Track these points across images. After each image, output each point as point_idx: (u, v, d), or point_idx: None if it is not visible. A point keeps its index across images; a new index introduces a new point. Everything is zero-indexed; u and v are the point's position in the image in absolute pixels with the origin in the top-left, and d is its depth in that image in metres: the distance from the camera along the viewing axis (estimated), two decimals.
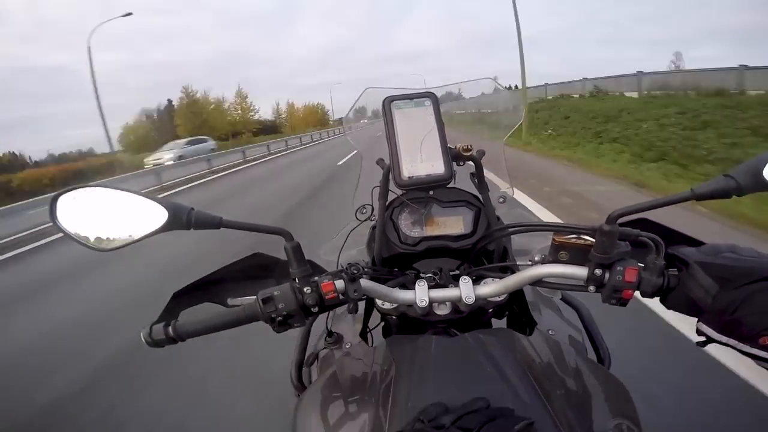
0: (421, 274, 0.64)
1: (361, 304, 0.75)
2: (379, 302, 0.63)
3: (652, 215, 0.48)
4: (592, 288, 0.48)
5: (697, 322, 0.43)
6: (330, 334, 0.75)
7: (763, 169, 0.40)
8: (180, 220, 0.45)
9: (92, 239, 0.48)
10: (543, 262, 0.53)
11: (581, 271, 0.48)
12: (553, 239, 0.51)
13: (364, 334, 0.74)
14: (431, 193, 0.66)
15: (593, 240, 0.47)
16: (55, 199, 0.47)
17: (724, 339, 0.41)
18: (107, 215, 0.47)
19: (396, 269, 0.68)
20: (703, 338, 0.43)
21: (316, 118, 61.27)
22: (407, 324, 0.66)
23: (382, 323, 0.77)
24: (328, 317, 0.77)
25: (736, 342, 0.40)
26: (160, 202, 0.46)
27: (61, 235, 0.48)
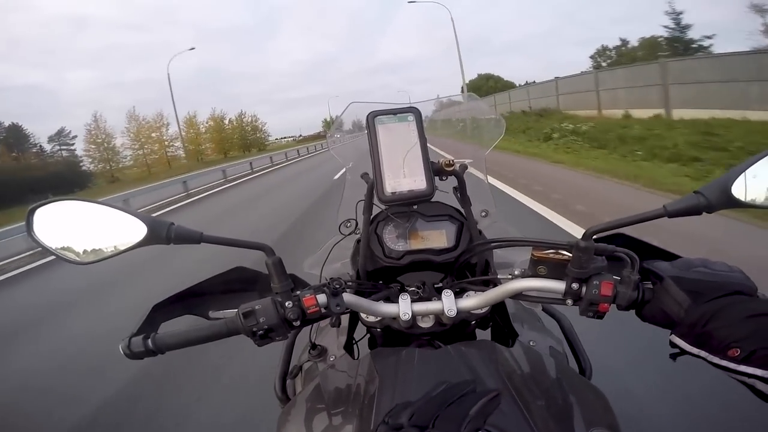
0: (405, 288, 0.64)
1: (346, 317, 0.75)
2: (363, 315, 0.63)
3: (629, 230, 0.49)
4: (569, 301, 0.49)
5: (671, 334, 0.45)
6: (314, 346, 0.74)
7: (731, 186, 0.42)
8: (159, 234, 0.45)
9: (70, 253, 0.47)
10: (523, 276, 0.54)
11: (559, 285, 0.49)
12: (532, 254, 0.52)
13: (349, 347, 0.74)
14: (415, 207, 0.67)
15: (570, 255, 0.48)
16: (32, 212, 0.47)
17: (695, 351, 0.42)
18: (85, 229, 0.47)
19: (380, 282, 0.68)
20: (676, 350, 0.45)
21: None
22: (392, 336, 0.67)
23: (368, 335, 0.77)
24: (311, 330, 0.77)
25: (707, 354, 0.41)
26: (139, 216, 0.46)
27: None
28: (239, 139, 46.65)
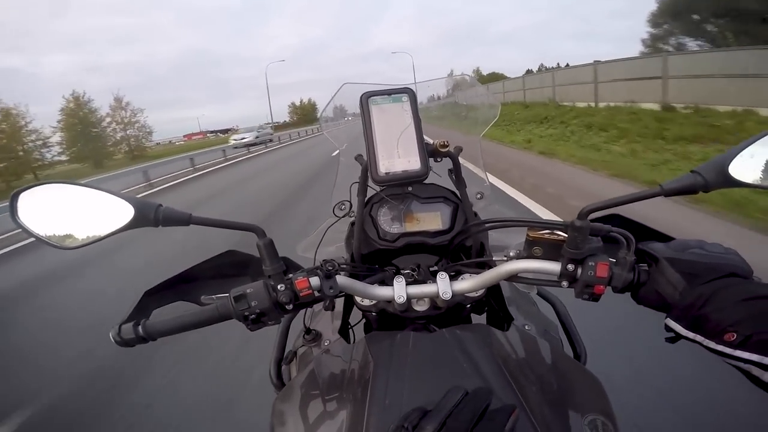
0: (399, 270, 0.64)
1: (340, 302, 0.74)
2: (358, 299, 0.63)
3: (624, 211, 0.49)
4: (565, 283, 0.49)
5: (666, 317, 0.44)
6: (308, 331, 0.74)
7: (728, 166, 0.41)
8: (147, 216, 0.44)
9: (55, 237, 0.46)
10: (518, 257, 0.53)
11: (554, 267, 0.49)
12: (528, 235, 0.51)
13: (344, 331, 0.74)
14: (410, 189, 0.66)
15: (566, 235, 0.47)
16: (15, 196, 0.46)
17: (691, 335, 0.41)
18: (71, 212, 0.46)
19: (375, 265, 0.68)
20: (672, 334, 0.44)
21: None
22: (387, 320, 0.66)
23: (363, 320, 0.77)
24: (305, 314, 0.76)
25: (703, 338, 0.40)
26: (127, 198, 0.44)
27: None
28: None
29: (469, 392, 0.38)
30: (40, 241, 0.46)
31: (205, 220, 0.47)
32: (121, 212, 0.44)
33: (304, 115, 70.83)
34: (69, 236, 0.46)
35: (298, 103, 76.42)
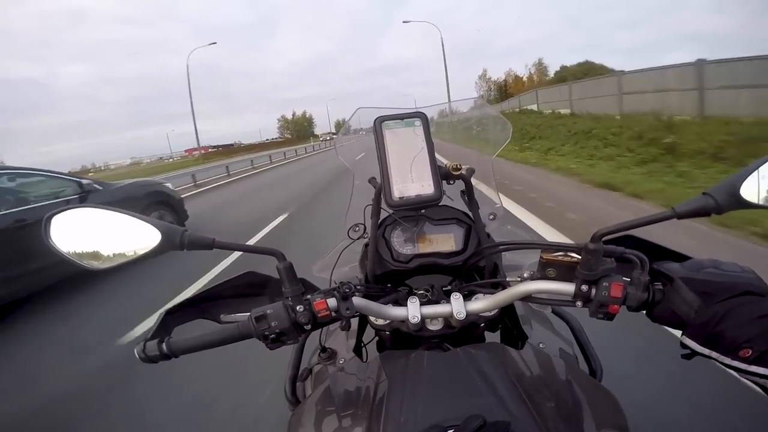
0: (413, 291, 0.64)
1: (355, 320, 0.75)
2: (372, 318, 0.63)
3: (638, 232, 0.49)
4: (579, 303, 0.49)
5: (681, 335, 0.45)
6: (324, 349, 0.75)
7: (739, 188, 0.42)
8: (173, 241, 0.46)
9: (85, 259, 0.48)
10: (532, 278, 0.54)
11: (568, 287, 0.49)
12: (541, 257, 0.52)
13: (358, 349, 0.74)
14: (423, 211, 0.68)
15: (579, 257, 0.48)
16: (48, 220, 0.48)
17: (706, 352, 0.42)
18: (100, 236, 0.48)
19: (388, 286, 0.68)
20: (687, 351, 0.45)
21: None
22: (400, 339, 0.67)
23: (376, 338, 0.78)
24: (321, 333, 0.77)
25: (718, 354, 0.41)
26: (153, 223, 0.46)
27: None
28: None
29: (487, 422, 0.38)
30: (70, 261, 0.48)
31: (228, 244, 0.48)
32: (149, 236, 0.46)
33: (297, 130, 64.57)
34: (98, 259, 0.48)
35: (290, 117, 69.20)
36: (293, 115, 69.15)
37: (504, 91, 53.52)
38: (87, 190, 4.11)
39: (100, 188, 4.30)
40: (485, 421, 0.38)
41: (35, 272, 3.27)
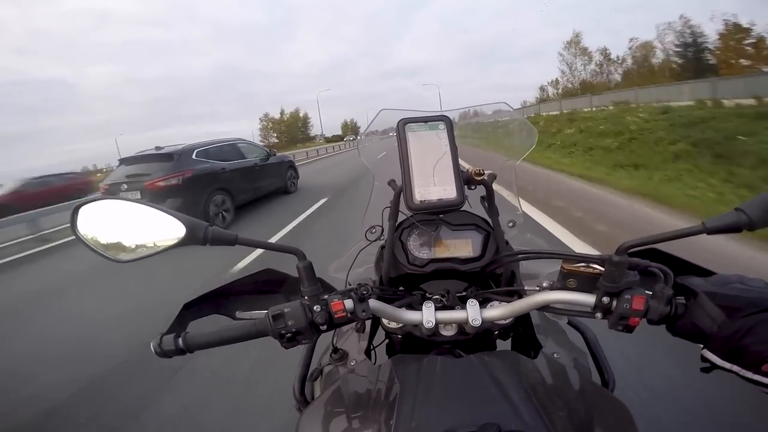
0: (428, 296, 0.64)
1: (368, 322, 0.75)
2: (385, 321, 0.63)
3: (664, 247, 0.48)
4: (599, 315, 0.49)
5: (702, 348, 0.44)
6: (335, 350, 0.75)
7: None
8: (197, 235, 0.46)
9: (110, 250, 0.49)
10: (551, 288, 0.53)
11: (589, 299, 0.49)
12: (562, 267, 0.51)
13: (368, 352, 0.74)
14: (441, 215, 0.67)
15: (602, 269, 0.47)
16: (76, 210, 0.49)
17: (728, 366, 0.42)
18: (126, 227, 0.49)
19: (402, 289, 0.68)
20: (707, 365, 0.45)
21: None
22: (411, 343, 0.67)
23: (386, 341, 0.77)
24: (334, 334, 0.77)
25: (740, 369, 0.41)
26: (179, 217, 0.47)
27: None
28: None
29: (503, 431, 0.38)
30: (95, 253, 0.49)
31: (250, 241, 0.49)
32: (173, 230, 0.47)
33: (289, 132, 51.22)
34: (123, 250, 0.49)
35: (278, 116, 52.66)
36: (282, 114, 54.37)
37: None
38: (271, 154, 7.95)
39: (274, 155, 8.16)
40: (500, 429, 0.38)
41: (257, 188, 7.15)
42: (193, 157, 5.89)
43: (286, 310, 0.50)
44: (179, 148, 5.91)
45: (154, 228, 0.48)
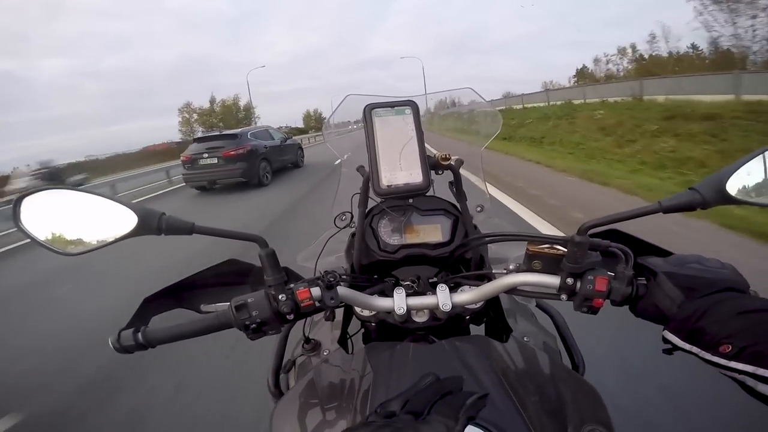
0: (399, 282, 0.64)
1: (340, 311, 0.74)
2: (358, 309, 0.63)
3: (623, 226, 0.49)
4: (564, 296, 0.49)
5: (663, 330, 0.45)
6: (307, 340, 0.74)
7: (725, 183, 0.42)
8: (150, 225, 0.44)
9: (58, 243, 0.46)
10: (517, 270, 0.54)
11: (554, 280, 0.49)
12: (527, 249, 0.52)
13: (343, 341, 0.74)
14: (411, 201, 0.67)
15: (565, 249, 0.48)
16: (19, 201, 0.46)
17: (687, 347, 0.42)
18: (74, 218, 0.46)
19: (375, 276, 0.68)
20: (669, 346, 0.45)
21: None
22: (386, 330, 0.66)
23: (362, 330, 0.77)
24: (305, 324, 0.76)
25: (699, 350, 0.41)
26: (130, 206, 0.45)
27: None
28: None
29: (440, 378, 0.38)
30: (42, 247, 0.46)
31: (208, 229, 0.47)
32: (125, 220, 0.44)
33: (224, 124, 39.12)
34: (72, 242, 0.46)
35: (206, 105, 41.71)
36: (212, 102, 42.74)
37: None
38: (288, 137, 10.35)
39: (290, 138, 10.97)
40: (438, 377, 0.38)
41: (283, 160, 9.92)
42: (248, 136, 8.79)
43: (249, 300, 0.48)
44: (239, 131, 9.16)
45: (104, 218, 0.45)
